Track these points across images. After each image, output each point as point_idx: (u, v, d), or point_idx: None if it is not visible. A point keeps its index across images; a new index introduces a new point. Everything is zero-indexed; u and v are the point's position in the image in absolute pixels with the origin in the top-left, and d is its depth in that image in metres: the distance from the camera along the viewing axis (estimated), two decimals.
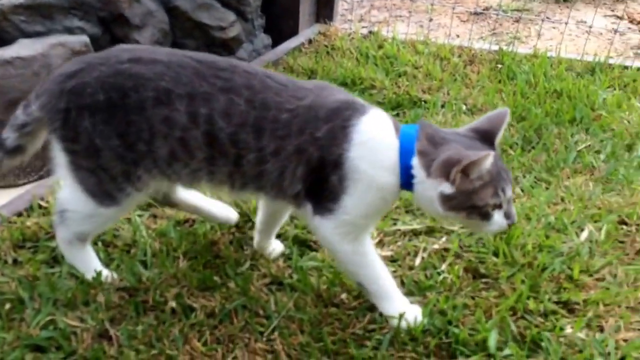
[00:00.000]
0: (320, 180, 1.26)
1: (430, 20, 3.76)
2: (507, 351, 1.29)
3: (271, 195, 1.31)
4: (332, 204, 1.26)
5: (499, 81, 2.68)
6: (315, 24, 3.31)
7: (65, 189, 1.37)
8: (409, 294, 1.44)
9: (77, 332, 1.31)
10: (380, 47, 3.03)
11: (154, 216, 1.73)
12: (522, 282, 1.47)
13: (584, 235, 1.65)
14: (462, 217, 1.24)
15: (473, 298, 1.45)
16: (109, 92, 1.24)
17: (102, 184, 1.31)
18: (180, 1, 2.67)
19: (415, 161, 1.22)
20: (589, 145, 2.16)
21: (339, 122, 1.24)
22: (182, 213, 1.74)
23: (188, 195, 1.57)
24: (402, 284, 1.48)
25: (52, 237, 1.60)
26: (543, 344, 1.30)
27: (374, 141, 1.24)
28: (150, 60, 1.25)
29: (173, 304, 1.39)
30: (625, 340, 1.33)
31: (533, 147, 2.14)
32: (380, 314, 1.38)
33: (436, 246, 1.62)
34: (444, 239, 1.65)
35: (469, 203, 1.21)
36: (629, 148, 2.16)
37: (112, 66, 1.25)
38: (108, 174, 1.30)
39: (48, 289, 1.42)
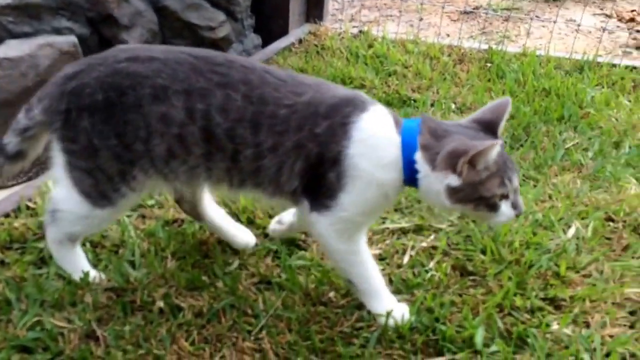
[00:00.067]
0: (317, 176, 1.25)
1: (421, 19, 3.77)
2: (493, 347, 1.29)
3: (269, 192, 1.31)
4: (330, 200, 1.25)
5: (488, 80, 2.69)
6: (306, 23, 3.31)
7: (59, 189, 1.36)
8: (396, 292, 1.44)
9: (64, 333, 1.31)
10: (370, 46, 3.04)
11: (143, 216, 1.73)
12: (509, 279, 1.48)
13: (571, 232, 1.66)
14: (470, 209, 1.23)
15: (460, 295, 1.45)
16: (107, 91, 1.24)
17: (98, 185, 1.31)
18: (169, 1, 2.67)
19: (419, 156, 1.22)
20: (577, 143, 2.17)
21: (339, 118, 1.24)
22: (170, 213, 1.74)
23: (214, 212, 1.58)
24: (390, 282, 1.49)
25: (40, 238, 1.60)
26: (529, 340, 1.31)
27: (374, 138, 1.24)
28: (147, 58, 1.26)
29: (161, 303, 1.39)
30: (611, 336, 1.34)
31: (521, 145, 2.15)
32: (368, 312, 1.38)
33: (424, 244, 1.62)
34: (432, 237, 1.66)
35: (476, 194, 1.21)
36: (617, 145, 2.18)
37: (109, 66, 1.26)
38: (105, 174, 1.30)
39: (35, 290, 1.41)
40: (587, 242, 1.62)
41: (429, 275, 1.51)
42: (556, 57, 2.86)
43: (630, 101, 2.49)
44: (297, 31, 3.21)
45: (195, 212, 1.57)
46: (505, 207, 1.24)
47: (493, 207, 1.23)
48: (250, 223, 1.72)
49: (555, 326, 1.36)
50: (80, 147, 1.28)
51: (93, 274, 1.46)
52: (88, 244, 1.59)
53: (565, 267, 1.52)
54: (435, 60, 2.91)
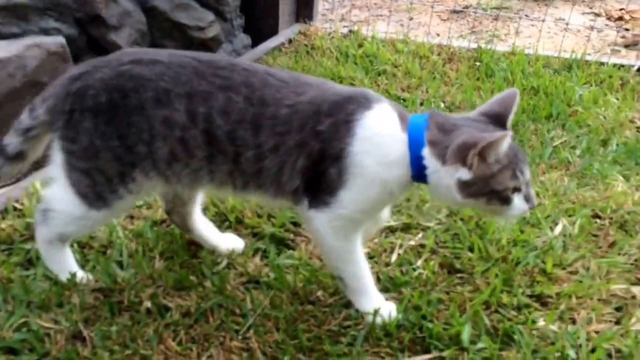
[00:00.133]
0: (318, 173, 1.25)
1: (411, 19, 3.78)
2: (480, 344, 1.30)
3: (271, 193, 1.31)
4: (329, 197, 1.25)
5: (477, 79, 2.70)
6: (295, 23, 3.32)
7: (55, 189, 1.36)
8: (384, 290, 1.45)
9: (51, 334, 1.30)
10: (360, 46, 3.04)
11: (131, 217, 1.73)
12: (496, 276, 1.49)
13: (558, 229, 1.67)
14: (482, 204, 1.22)
15: (448, 293, 1.46)
16: (110, 93, 1.25)
17: (96, 186, 1.31)
18: (158, 1, 2.66)
19: (426, 151, 1.21)
20: (565, 141, 2.18)
21: (342, 116, 1.24)
22: (159, 213, 1.73)
23: (203, 225, 1.58)
24: (378, 280, 1.49)
25: (27, 240, 1.59)
26: (515, 336, 1.32)
27: (378, 136, 1.23)
28: (151, 61, 1.27)
29: (148, 304, 1.39)
30: (596, 332, 1.35)
31: None
32: (356, 311, 1.39)
33: (412, 242, 1.63)
34: (420, 235, 1.66)
35: (488, 188, 1.19)
36: (604, 143, 2.19)
37: (113, 68, 1.27)
38: (103, 175, 1.30)
39: (22, 291, 1.41)
40: (573, 239, 1.63)
41: (416, 273, 1.52)
42: (545, 55, 2.87)
43: (618, 99, 2.51)
44: (287, 31, 3.21)
45: (185, 225, 1.57)
46: (518, 200, 1.23)
47: (506, 201, 1.21)
48: (239, 223, 1.72)
49: (541, 322, 1.36)
50: (81, 148, 1.28)
51: (80, 274, 1.45)
52: (76, 245, 1.59)
53: (552, 264, 1.53)
54: (424, 59, 2.91)
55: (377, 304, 1.36)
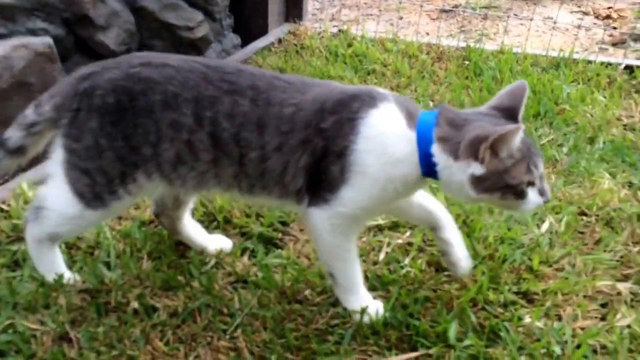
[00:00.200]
0: (319, 171, 1.25)
1: (401, 18, 3.79)
2: (466, 342, 1.30)
3: (275, 194, 1.31)
4: (330, 194, 1.25)
5: (466, 77, 2.71)
6: (285, 23, 3.31)
7: (51, 187, 1.35)
8: (372, 288, 1.45)
9: (37, 335, 1.30)
10: (349, 45, 3.05)
11: (119, 217, 1.72)
12: (483, 274, 1.49)
13: (545, 226, 1.68)
14: (497, 199, 1.21)
15: (435, 291, 1.47)
16: (119, 94, 1.26)
17: (95, 186, 1.31)
18: (146, 1, 2.65)
19: (435, 148, 1.20)
20: (552, 139, 2.20)
21: (346, 113, 1.23)
22: (147, 213, 1.73)
23: (191, 229, 1.58)
24: (366, 278, 1.49)
25: (14, 241, 1.59)
26: (502, 333, 1.32)
27: (383, 135, 1.22)
28: (160, 65, 1.28)
29: (135, 304, 1.39)
30: (582, 328, 1.36)
31: None
32: (344, 309, 1.39)
33: (400, 241, 1.63)
34: (408, 233, 1.67)
35: (502, 183, 1.19)
36: (591, 141, 2.20)
37: (123, 70, 1.28)
38: (104, 175, 1.30)
39: (8, 292, 1.40)
40: (560, 237, 1.65)
41: (404, 271, 1.52)
42: (533, 54, 2.89)
43: (605, 97, 2.52)
44: (276, 31, 3.21)
45: (174, 227, 1.57)
46: (532, 194, 1.22)
47: (520, 195, 1.21)
48: (227, 222, 1.73)
49: (527, 319, 1.37)
50: (84, 147, 1.29)
51: (68, 275, 1.45)
52: (63, 246, 1.58)
53: (538, 261, 1.54)
54: (414, 58, 2.92)
55: (365, 302, 1.37)
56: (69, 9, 2.39)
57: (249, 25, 3.18)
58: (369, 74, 2.76)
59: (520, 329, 1.35)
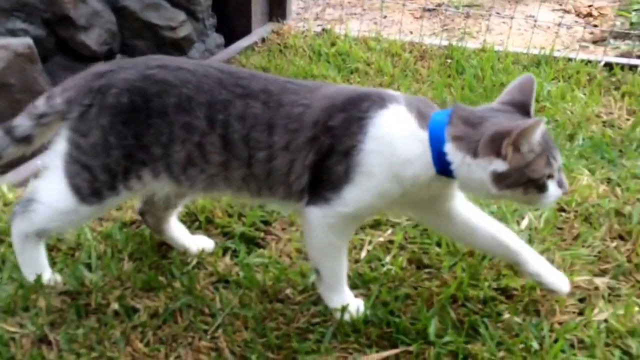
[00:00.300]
0: (322, 169, 1.25)
1: (385, 17, 3.80)
2: (446, 338, 1.31)
3: (280, 194, 1.31)
4: (331, 193, 1.25)
5: (449, 76, 2.73)
6: (269, 22, 3.32)
7: (46, 180, 1.35)
8: (353, 287, 1.45)
9: (16, 338, 1.29)
10: (333, 44, 3.06)
11: (100, 219, 1.71)
12: (463, 270, 1.51)
13: (524, 223, 1.70)
14: (519, 194, 1.20)
15: (416, 288, 1.48)
16: (134, 95, 1.27)
17: (94, 182, 1.31)
18: (128, 1, 2.64)
19: (449, 147, 1.19)
20: None
21: (355, 112, 1.23)
22: (128, 215, 1.73)
23: (176, 229, 1.57)
24: (347, 277, 1.49)
25: None
26: (481, 329, 1.34)
27: (393, 135, 1.22)
28: (177, 68, 1.29)
29: (115, 305, 1.38)
30: (560, 323, 1.37)
31: None
32: (325, 307, 1.40)
33: (381, 239, 1.64)
34: (389, 231, 1.68)
35: (524, 178, 1.18)
36: (571, 138, 2.23)
37: (140, 71, 1.29)
38: (108, 172, 1.30)
39: None
40: (539, 233, 1.66)
41: (385, 269, 1.53)
42: (514, 52, 2.91)
43: (585, 94, 2.55)
44: (259, 30, 3.21)
45: (158, 227, 1.57)
46: (552, 187, 1.21)
47: (542, 189, 1.20)
48: (209, 222, 1.72)
49: (506, 315, 1.39)
50: (90, 143, 1.29)
51: (48, 276, 1.44)
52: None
53: None
54: (397, 57, 2.93)
55: (346, 301, 1.38)
56: (50, 9, 2.38)
57: (232, 24, 3.18)
58: (352, 72, 2.77)
59: (499, 324, 1.36)
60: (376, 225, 1.71)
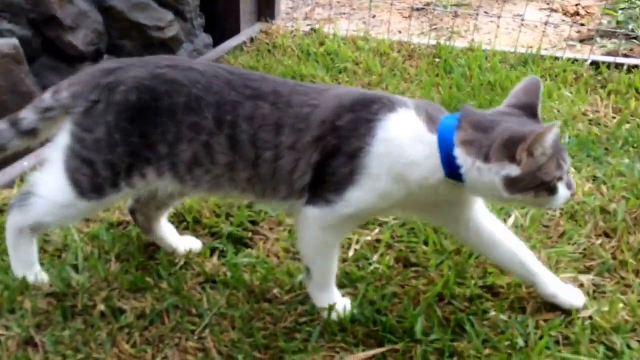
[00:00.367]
0: (325, 170, 1.25)
1: (373, 16, 3.80)
2: (433, 336, 1.32)
3: (282, 194, 1.30)
4: (334, 195, 1.25)
5: (436, 75, 2.73)
6: (257, 22, 3.31)
7: (46, 172, 1.34)
8: (340, 286, 1.46)
9: (1, 340, 1.29)
10: (321, 44, 3.06)
11: (87, 220, 1.71)
12: (450, 268, 1.51)
13: (511, 221, 1.71)
14: (530, 197, 1.21)
15: (402, 286, 1.48)
16: (142, 93, 1.27)
17: (95, 178, 1.30)
18: (115, 1, 2.63)
19: (459, 151, 1.19)
20: None
21: (364, 114, 1.23)
22: (115, 215, 1.72)
23: (165, 229, 1.57)
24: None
25: None
26: (467, 327, 1.35)
27: (401, 138, 1.22)
28: (187, 68, 1.30)
29: (102, 307, 1.38)
30: (545, 321, 1.38)
31: None
32: (312, 307, 1.40)
33: (369, 238, 1.65)
34: (376, 230, 1.68)
35: (537, 181, 1.18)
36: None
37: (149, 69, 1.29)
38: (110, 168, 1.29)
39: None
40: (525, 230, 1.67)
41: (372, 267, 1.54)
42: (502, 51, 2.93)
43: (571, 93, 2.57)
44: (248, 30, 3.20)
45: (148, 225, 1.57)
46: (562, 189, 1.22)
47: (553, 191, 1.21)
48: (196, 223, 1.72)
49: (492, 313, 1.40)
50: (95, 139, 1.28)
51: (36, 275, 1.42)
52: None
53: None
54: (385, 56, 2.94)
55: (333, 300, 1.38)
56: (36, 9, 2.36)
57: (221, 24, 3.17)
58: (340, 72, 2.78)
59: (485, 322, 1.37)
60: (364, 224, 1.71)
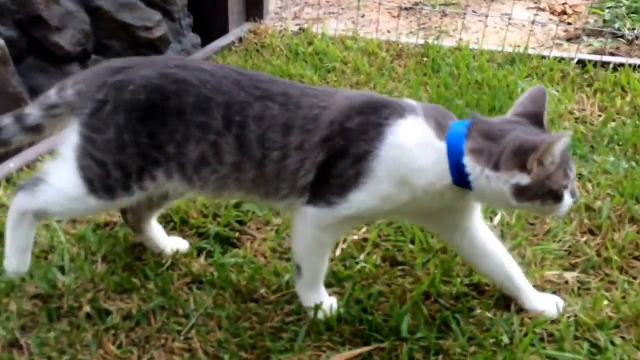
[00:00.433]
0: (329, 171, 1.25)
1: (362, 16, 3.81)
2: (419, 334, 1.33)
3: (283, 193, 1.30)
4: (336, 196, 1.25)
5: (424, 74, 2.74)
6: (246, 22, 3.31)
7: (59, 165, 1.32)
8: (327, 285, 1.46)
9: None
10: (310, 43, 3.05)
11: (73, 221, 1.70)
12: (436, 267, 1.52)
13: (497, 219, 1.72)
14: (537, 205, 1.22)
15: (389, 285, 1.49)
16: (151, 93, 1.26)
17: (107, 178, 1.29)
18: (102, 1, 2.62)
19: (468, 160, 1.20)
20: None
21: (375, 118, 1.23)
22: (102, 217, 1.72)
23: (154, 229, 1.57)
24: None
25: None
26: (452, 325, 1.35)
27: (410, 144, 1.22)
28: (197, 68, 1.29)
29: (88, 308, 1.38)
30: (530, 318, 1.39)
31: None
32: (299, 306, 1.40)
33: (356, 237, 1.65)
34: (364, 229, 1.69)
35: (545, 189, 1.19)
36: None
37: (159, 69, 1.29)
38: (122, 170, 1.28)
39: None
40: (511, 228, 1.69)
41: (358, 266, 1.54)
42: (489, 50, 2.94)
43: (558, 91, 2.58)
44: (236, 30, 3.20)
45: (138, 225, 1.56)
46: (567, 196, 1.23)
47: (559, 199, 1.22)
48: (184, 223, 1.72)
49: (478, 310, 1.41)
50: (105, 139, 1.27)
51: (15, 264, 1.39)
52: None
53: None
54: (373, 56, 2.94)
55: (320, 299, 1.39)
56: (22, 10, 2.34)
57: (209, 24, 3.16)
58: (329, 72, 2.78)
59: (470, 319, 1.38)
60: None
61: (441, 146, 1.22)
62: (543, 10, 3.86)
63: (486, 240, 1.39)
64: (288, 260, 1.58)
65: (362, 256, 1.58)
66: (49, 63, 2.48)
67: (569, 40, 3.41)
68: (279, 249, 1.62)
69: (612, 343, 1.33)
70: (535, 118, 1.27)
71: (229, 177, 1.30)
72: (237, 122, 1.26)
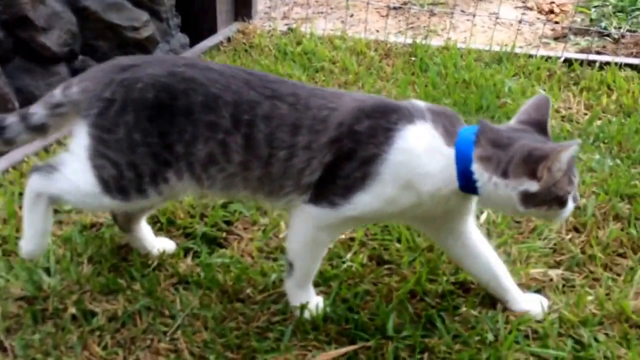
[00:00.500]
0: (335, 172, 1.25)
1: (351, 15, 3.81)
2: (404, 333, 1.34)
3: (286, 191, 1.30)
4: (340, 198, 1.25)
5: (412, 73, 2.75)
6: (234, 22, 3.31)
7: (74, 160, 1.30)
8: (314, 284, 1.46)
9: None
10: (298, 43, 3.06)
11: (60, 222, 1.70)
12: (422, 265, 1.53)
13: (483, 217, 1.73)
14: (544, 211, 1.24)
15: (375, 284, 1.50)
16: (159, 91, 1.25)
17: (121, 179, 1.28)
18: (89, 1, 2.60)
19: (476, 167, 1.21)
20: None
21: (384, 122, 1.24)
22: (88, 218, 1.71)
23: (143, 229, 1.57)
24: None
25: None
26: (438, 323, 1.36)
27: (418, 149, 1.23)
28: (205, 68, 1.29)
29: (73, 310, 1.37)
30: (515, 315, 1.40)
31: None
32: (285, 305, 1.41)
33: (343, 236, 1.66)
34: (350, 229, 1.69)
35: (551, 196, 1.21)
36: None
37: (166, 67, 1.28)
38: (135, 171, 1.28)
39: None
40: (497, 226, 1.70)
41: (345, 266, 1.55)
42: (476, 49, 2.95)
43: (545, 90, 2.60)
44: (225, 30, 3.20)
45: (128, 226, 1.56)
46: (569, 202, 1.25)
47: (563, 205, 1.24)
48: (170, 224, 1.72)
49: (463, 308, 1.41)
50: (116, 139, 1.26)
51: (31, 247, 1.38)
52: (0, 253, 1.55)
53: None
54: (362, 55, 2.95)
55: (307, 298, 1.39)
56: (7, 10, 2.33)
57: (198, 24, 3.16)
58: (317, 71, 2.78)
59: (456, 317, 1.39)
60: None
61: (449, 152, 1.23)
62: (531, 9, 3.89)
63: (476, 242, 1.41)
64: (275, 260, 1.58)
65: (348, 255, 1.59)
66: (35, 64, 2.46)
67: (556, 39, 3.43)
68: (266, 249, 1.62)
69: (596, 340, 1.34)
70: (539, 126, 1.29)
71: (237, 175, 1.30)
72: (246, 121, 1.26)
